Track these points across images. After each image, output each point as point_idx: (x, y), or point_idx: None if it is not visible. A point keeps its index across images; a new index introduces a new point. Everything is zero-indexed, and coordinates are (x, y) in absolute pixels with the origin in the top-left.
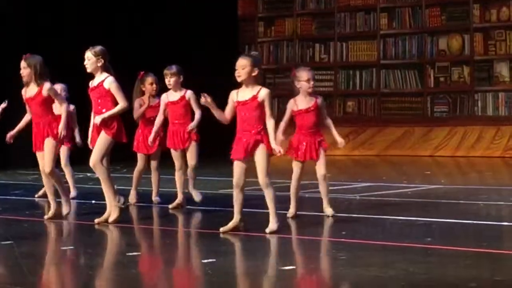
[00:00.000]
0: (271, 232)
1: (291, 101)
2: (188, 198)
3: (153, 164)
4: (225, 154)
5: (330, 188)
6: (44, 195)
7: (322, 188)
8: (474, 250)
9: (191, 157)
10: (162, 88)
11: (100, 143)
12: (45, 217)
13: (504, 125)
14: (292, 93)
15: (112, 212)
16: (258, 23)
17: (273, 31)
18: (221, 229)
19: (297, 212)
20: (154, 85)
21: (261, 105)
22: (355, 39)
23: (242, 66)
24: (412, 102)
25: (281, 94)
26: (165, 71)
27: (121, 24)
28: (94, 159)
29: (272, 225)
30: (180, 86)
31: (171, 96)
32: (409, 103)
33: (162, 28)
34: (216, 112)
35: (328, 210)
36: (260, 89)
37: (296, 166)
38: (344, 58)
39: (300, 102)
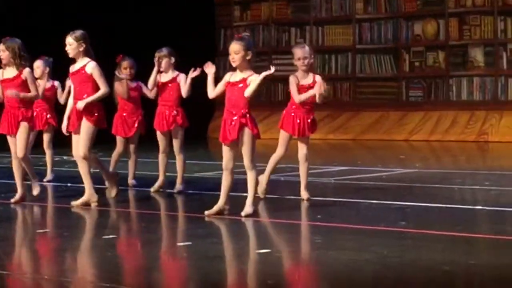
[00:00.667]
0: (246, 215)
1: (292, 77)
2: (170, 181)
3: (132, 147)
4: (201, 136)
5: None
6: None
7: (302, 169)
8: (448, 234)
9: (175, 142)
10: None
11: (84, 134)
12: (12, 200)
13: (478, 109)
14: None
15: (112, 189)
16: (234, 7)
17: (249, 15)
18: (206, 213)
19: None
20: (129, 70)
21: None
22: (330, 23)
23: (236, 51)
24: (387, 87)
25: None
26: (156, 54)
27: (104, 14)
28: (83, 151)
29: (248, 208)
30: (173, 68)
31: (163, 77)
32: (384, 87)
33: (139, 13)
34: (210, 83)
35: (303, 194)
36: (252, 73)
37: (285, 140)
38: (320, 43)
39: (300, 79)
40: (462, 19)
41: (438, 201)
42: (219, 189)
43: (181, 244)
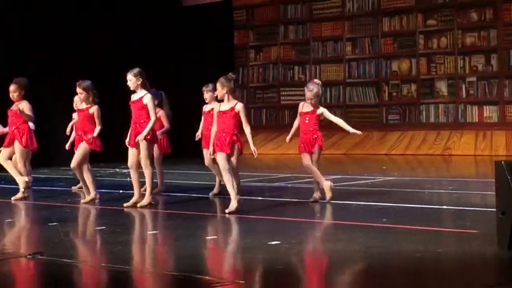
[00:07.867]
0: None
1: (300, 104)
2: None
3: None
4: None
5: (308, 179)
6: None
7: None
8: (420, 228)
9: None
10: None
11: (143, 149)
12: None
13: (443, 130)
14: (277, 106)
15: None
16: (249, 50)
17: (262, 56)
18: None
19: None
20: None
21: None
22: (326, 62)
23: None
24: (371, 112)
25: (268, 106)
26: (203, 88)
27: (134, 49)
28: (143, 162)
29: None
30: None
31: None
32: (369, 113)
33: (169, 55)
34: None
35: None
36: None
37: (302, 157)
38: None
39: (306, 106)
40: (430, 58)
41: (412, 202)
42: (248, 194)
43: (209, 237)
